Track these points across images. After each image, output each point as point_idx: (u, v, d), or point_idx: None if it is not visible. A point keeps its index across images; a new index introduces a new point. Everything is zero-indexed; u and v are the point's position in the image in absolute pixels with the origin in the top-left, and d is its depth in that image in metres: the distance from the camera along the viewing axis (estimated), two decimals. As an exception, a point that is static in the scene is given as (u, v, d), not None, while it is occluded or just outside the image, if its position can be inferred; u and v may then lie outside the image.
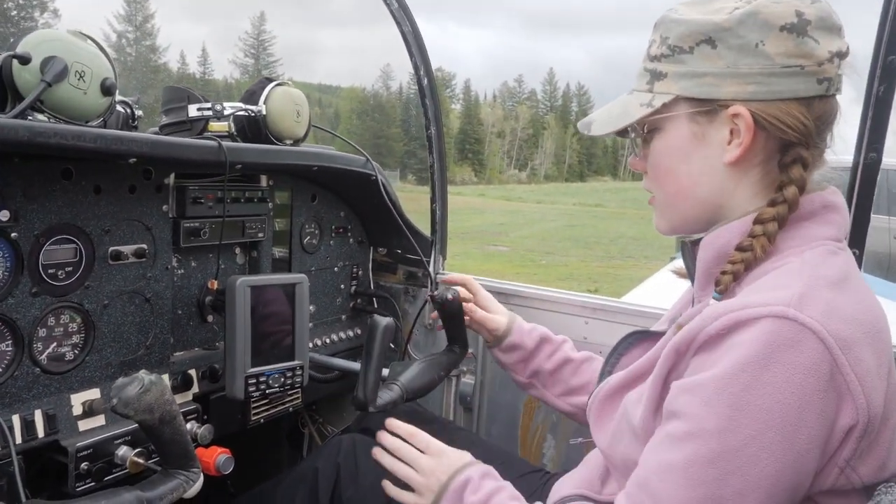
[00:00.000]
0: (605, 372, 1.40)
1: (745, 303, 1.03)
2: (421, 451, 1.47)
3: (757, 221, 1.11)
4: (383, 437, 1.52)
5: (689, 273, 1.29)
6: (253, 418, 1.90)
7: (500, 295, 2.12)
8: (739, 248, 1.12)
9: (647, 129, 1.19)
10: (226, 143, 1.60)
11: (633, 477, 1.10)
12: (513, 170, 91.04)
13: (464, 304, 1.82)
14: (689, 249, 1.28)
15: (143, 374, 1.10)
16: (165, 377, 1.69)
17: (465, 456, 1.45)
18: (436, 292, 1.85)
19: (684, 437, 1.02)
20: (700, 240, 1.25)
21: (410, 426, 1.52)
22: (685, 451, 1.01)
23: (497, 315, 1.85)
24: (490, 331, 1.83)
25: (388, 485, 1.49)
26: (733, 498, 0.98)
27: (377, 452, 1.52)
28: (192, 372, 1.75)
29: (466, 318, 1.85)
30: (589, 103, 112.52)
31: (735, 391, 0.98)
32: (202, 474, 1.36)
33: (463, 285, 1.89)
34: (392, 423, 1.54)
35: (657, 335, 1.37)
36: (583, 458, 1.56)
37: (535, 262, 15.20)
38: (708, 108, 1.12)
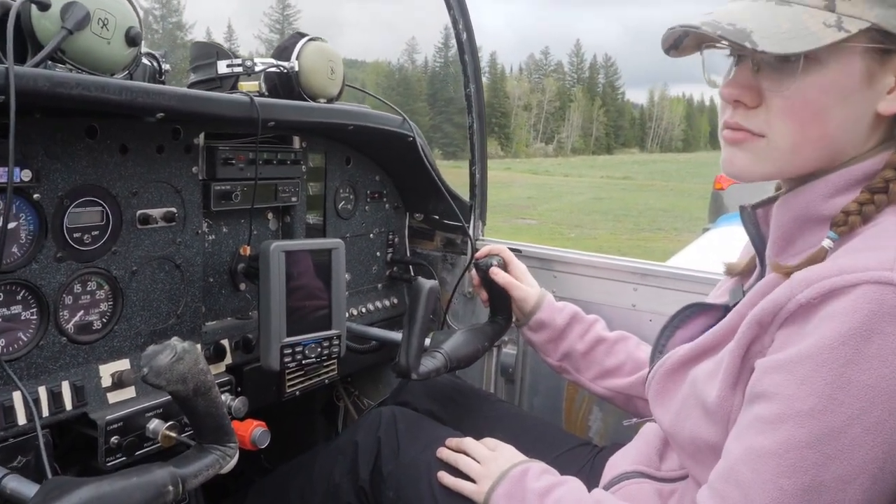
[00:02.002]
0: (660, 345, 1.30)
1: (839, 267, 0.91)
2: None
3: (890, 166, 0.99)
4: (441, 451, 1.49)
5: (755, 240, 1.17)
6: (288, 390, 1.82)
7: (543, 261, 2.03)
8: (869, 189, 0.99)
9: (805, 57, 0.98)
10: (258, 99, 1.51)
11: (717, 470, 0.99)
12: (539, 143, 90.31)
13: (493, 268, 1.72)
14: (749, 214, 1.17)
15: (175, 341, 1.02)
16: (198, 347, 1.62)
17: (524, 456, 1.43)
18: (479, 260, 1.76)
19: (777, 419, 0.91)
20: (766, 202, 1.14)
21: (467, 439, 1.49)
22: (779, 436, 0.91)
23: (527, 286, 1.75)
24: (517, 301, 1.72)
25: (444, 475, 1.43)
26: (835, 484, 0.87)
27: (442, 451, 1.48)
28: (225, 342, 1.68)
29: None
30: (616, 74, 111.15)
31: (835, 367, 0.87)
32: (238, 449, 1.30)
33: (498, 255, 1.79)
34: (450, 442, 1.51)
35: (716, 308, 1.26)
36: (632, 431, 1.47)
37: (563, 235, 15.04)
38: (892, 46, 0.97)
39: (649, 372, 1.27)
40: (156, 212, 1.51)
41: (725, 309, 1.24)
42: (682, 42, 1.10)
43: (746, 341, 1.01)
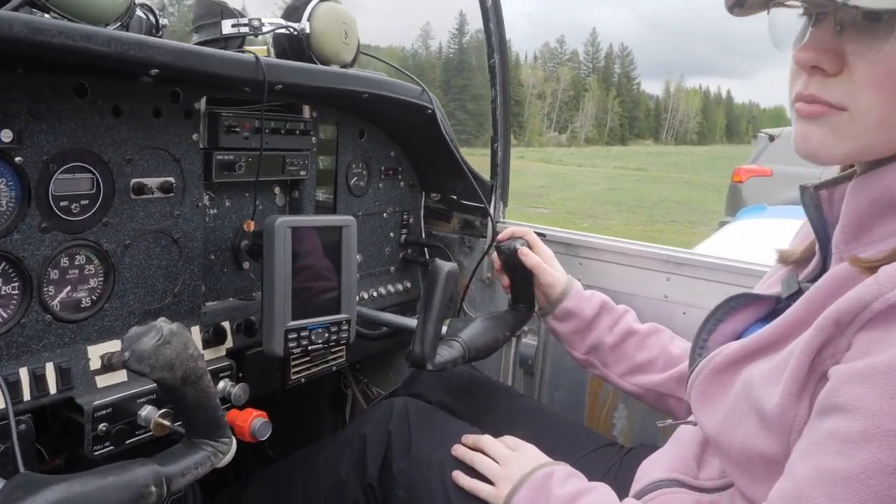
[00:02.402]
0: (701, 341, 1.16)
1: None
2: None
3: None
4: (457, 448, 1.39)
5: (816, 225, 1.05)
6: (293, 378, 1.70)
7: (568, 246, 1.89)
8: None
9: None
10: (264, 59, 1.37)
11: (781, 490, 0.86)
12: (552, 132, 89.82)
13: (520, 251, 1.60)
14: (811, 195, 1.04)
15: (161, 322, 0.89)
16: (196, 329, 1.50)
17: (547, 458, 1.32)
18: (502, 242, 1.63)
19: (859, 438, 0.78)
20: (832, 182, 1.01)
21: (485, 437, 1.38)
22: (861, 457, 0.77)
23: (555, 272, 1.63)
24: (544, 287, 1.60)
25: (459, 475, 1.32)
26: None
27: (457, 448, 1.37)
28: (226, 324, 1.56)
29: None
30: (632, 65, 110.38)
31: None
32: (235, 442, 1.18)
33: (521, 237, 1.66)
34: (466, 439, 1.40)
35: (765, 300, 1.13)
36: (659, 431, 1.35)
37: (576, 224, 14.86)
38: None
39: (691, 370, 1.13)
40: (152, 181, 1.39)
41: (777, 301, 1.12)
42: None
43: (818, 343, 0.87)
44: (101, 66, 1.21)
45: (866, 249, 0.92)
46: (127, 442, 1.31)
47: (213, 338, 1.52)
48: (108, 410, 1.28)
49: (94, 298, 1.34)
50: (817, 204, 1.04)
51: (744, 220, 6.71)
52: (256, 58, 1.35)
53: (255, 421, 1.32)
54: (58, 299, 1.28)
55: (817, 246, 1.06)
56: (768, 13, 0.97)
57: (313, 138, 1.73)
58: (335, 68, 1.62)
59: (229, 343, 1.56)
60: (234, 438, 0.99)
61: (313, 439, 1.69)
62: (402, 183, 2.06)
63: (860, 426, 0.78)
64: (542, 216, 15.61)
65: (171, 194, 1.43)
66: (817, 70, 0.89)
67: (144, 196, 1.38)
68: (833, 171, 1.08)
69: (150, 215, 1.40)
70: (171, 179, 1.42)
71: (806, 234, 1.18)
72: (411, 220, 2.11)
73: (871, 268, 0.86)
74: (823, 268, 1.04)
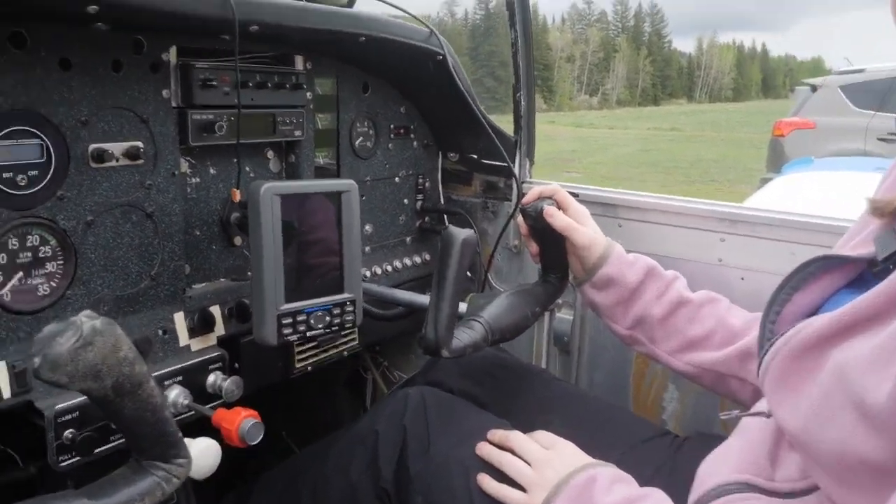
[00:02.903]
0: (772, 314, 0.95)
1: None
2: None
3: None
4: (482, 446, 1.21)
5: None
6: (298, 366, 1.52)
7: (606, 206, 1.67)
8: None
9: None
10: (234, -6, 1.15)
11: None
12: (583, 95, 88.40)
13: (546, 212, 1.38)
14: None
15: (83, 317, 0.69)
16: (180, 315, 1.31)
17: (588, 458, 1.15)
18: (528, 204, 1.41)
19: None
20: None
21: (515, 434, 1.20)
22: None
23: (591, 231, 1.41)
24: (579, 249, 1.38)
25: (485, 479, 1.14)
26: None
27: (482, 447, 1.19)
28: (216, 309, 1.37)
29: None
30: (663, 22, 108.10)
31: None
32: (218, 450, 1.00)
33: (550, 197, 1.43)
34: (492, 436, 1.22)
35: (853, 262, 0.93)
36: (721, 417, 1.15)
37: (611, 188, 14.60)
38: None
39: (763, 352, 0.92)
40: (115, 147, 1.19)
41: (870, 263, 0.91)
42: None
43: None
44: (35, 7, 1.00)
45: None
46: (97, 451, 1.13)
47: (200, 325, 1.33)
48: (75, 415, 1.10)
49: (54, 285, 1.15)
50: None
51: (790, 175, 6.38)
52: (224, -10, 1.13)
53: (243, 423, 1.13)
54: (8, 287, 1.10)
55: None
56: None
57: (308, 93, 1.51)
58: (322, 6, 1.39)
59: (220, 330, 1.37)
60: (191, 459, 0.79)
61: (332, 427, 1.53)
62: (414, 142, 1.84)
63: None
64: (575, 181, 15.31)
65: (140, 161, 1.23)
66: None
67: (107, 164, 1.18)
68: None
69: (116, 186, 1.21)
70: (139, 144, 1.22)
71: None
72: (427, 183, 1.89)
73: None
74: None
